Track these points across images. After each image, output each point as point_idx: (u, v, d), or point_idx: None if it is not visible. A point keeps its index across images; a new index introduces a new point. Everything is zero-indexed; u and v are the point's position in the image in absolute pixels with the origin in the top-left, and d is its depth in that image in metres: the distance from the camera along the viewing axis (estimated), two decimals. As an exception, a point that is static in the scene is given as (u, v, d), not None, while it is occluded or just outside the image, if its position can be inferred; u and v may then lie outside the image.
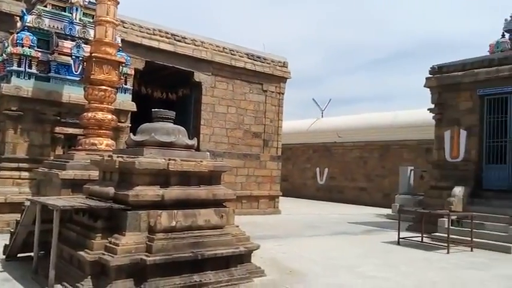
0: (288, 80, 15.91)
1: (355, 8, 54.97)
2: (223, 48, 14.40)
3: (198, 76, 13.92)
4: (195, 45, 13.80)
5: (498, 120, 11.08)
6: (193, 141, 6.26)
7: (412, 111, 20.17)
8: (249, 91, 15.00)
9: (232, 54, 14.50)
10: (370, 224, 13.20)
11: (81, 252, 5.04)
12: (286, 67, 15.82)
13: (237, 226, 6.20)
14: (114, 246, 4.98)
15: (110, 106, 8.40)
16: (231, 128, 14.54)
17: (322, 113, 28.49)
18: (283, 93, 15.78)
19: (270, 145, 15.46)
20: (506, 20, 14.64)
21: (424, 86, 12.59)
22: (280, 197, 15.77)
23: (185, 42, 13.59)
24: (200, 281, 5.23)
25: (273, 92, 15.51)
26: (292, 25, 59.36)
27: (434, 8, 51.21)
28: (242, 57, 14.72)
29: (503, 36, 14.64)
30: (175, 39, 13.35)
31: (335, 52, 59.02)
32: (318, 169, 25.08)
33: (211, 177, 6.04)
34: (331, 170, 24.32)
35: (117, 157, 5.69)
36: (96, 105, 8.21)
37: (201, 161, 5.85)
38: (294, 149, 26.16)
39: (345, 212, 16.91)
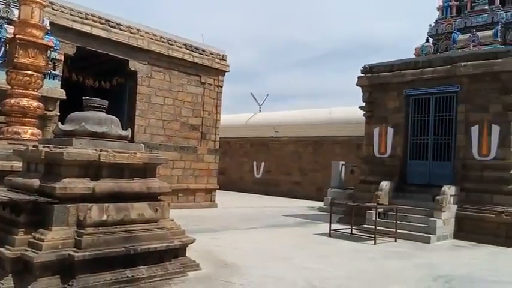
0: (226, 73, 15.86)
1: (292, 5, 56.05)
2: (161, 37, 14.02)
3: (134, 65, 13.44)
4: (131, 32, 13.30)
5: (421, 119, 11.87)
6: (127, 132, 6.04)
7: (345, 108, 21.01)
8: (187, 83, 14.76)
9: (170, 44, 14.17)
10: (304, 217, 13.61)
11: (1, 249, 4.69)
12: (225, 60, 15.76)
13: (172, 220, 6.10)
14: (38, 242, 4.68)
15: (35, 93, 7.84)
16: (168, 119, 14.24)
17: (259, 108, 28.84)
18: (221, 86, 15.72)
19: (208, 138, 15.35)
20: (430, 25, 15.73)
21: (356, 85, 13.16)
22: (217, 191, 15.75)
23: (120, 29, 13.04)
24: (132, 276, 5.08)
25: (211, 84, 15.39)
26: (231, 18, 59.29)
27: (368, 9, 53.68)
28: (180, 47, 14.44)
29: (427, 40, 15.70)
30: (109, 25, 12.76)
31: (273, 48, 59.88)
32: (255, 163, 25.35)
33: (146, 170, 5.87)
34: (268, 164, 24.70)
35: (43, 147, 5.34)
36: (20, 91, 7.63)
37: (135, 153, 5.66)
38: (231, 142, 26.19)
39: (280, 205, 17.28)
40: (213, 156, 15.47)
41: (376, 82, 12.70)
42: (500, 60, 10.50)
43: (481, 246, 9.57)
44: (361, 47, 54.61)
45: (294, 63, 59.78)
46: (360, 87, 13.14)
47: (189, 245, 6.01)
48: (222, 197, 17.09)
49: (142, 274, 5.18)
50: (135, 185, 5.61)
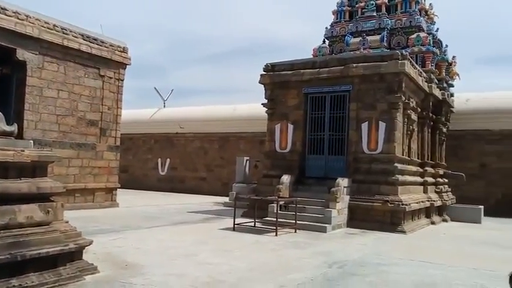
0: (128, 66, 15.22)
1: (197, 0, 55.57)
2: (54, 25, 12.96)
3: (22, 54, 12.24)
4: (19, 18, 12.07)
5: (318, 116, 12.64)
6: (13, 128, 5.51)
7: (249, 105, 21.47)
8: (84, 75, 13.87)
9: (64, 33, 13.16)
10: (209, 212, 13.67)
11: None
12: (126, 52, 15.11)
13: (67, 222, 5.72)
14: None
15: None
16: (63, 114, 13.25)
17: (164, 103, 28.20)
18: (122, 80, 15.04)
19: (108, 134, 14.61)
20: (326, 28, 16.77)
21: (259, 82, 13.55)
22: (118, 189, 15.08)
23: (6, 14, 11.77)
24: (20, 285, 4.67)
25: (111, 77, 14.66)
26: (133, 9, 56.93)
27: (273, 9, 55.32)
28: (76, 37, 13.50)
29: (324, 42, 16.73)
30: (-9, 9, 11.45)
31: (178, 42, 58.92)
32: (159, 160, 24.78)
33: (36, 169, 5.41)
34: (173, 160, 24.31)
35: None
36: None
37: (23, 151, 5.20)
38: (134, 139, 25.27)
39: (185, 202, 17.15)
40: (114, 153, 14.78)
41: (278, 80, 13.20)
42: (386, 63, 11.60)
43: (370, 232, 10.52)
44: (266, 45, 56.21)
45: (200, 58, 59.49)
46: (263, 85, 13.56)
47: (87, 247, 5.70)
48: (125, 196, 16.43)
49: (32, 282, 4.79)
50: (23, 185, 5.15)
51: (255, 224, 10.49)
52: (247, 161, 17.23)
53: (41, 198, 5.32)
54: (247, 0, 55.02)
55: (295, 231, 10.06)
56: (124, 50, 15.04)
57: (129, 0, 56.30)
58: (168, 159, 24.45)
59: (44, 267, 4.98)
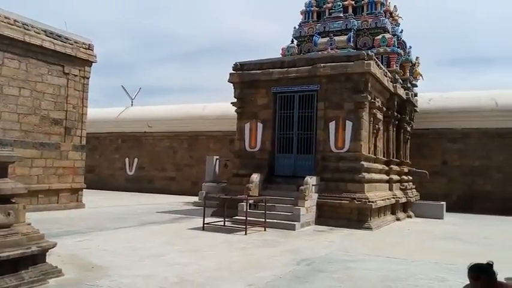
0: (94, 64, 14.86)
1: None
2: (15, 21, 12.49)
3: (-20, 51, 11.74)
4: (-24, 13, 11.58)
5: (287, 115, 12.75)
6: (-29, 128, 5.29)
7: (219, 104, 21.43)
8: (48, 73, 13.44)
9: (26, 29, 12.71)
10: (178, 212, 13.55)
11: None
12: (92, 50, 14.75)
13: (29, 224, 5.54)
14: None
15: None
16: (25, 113, 12.80)
17: (132, 102, 27.72)
18: (88, 78, 14.68)
19: (73, 133, 14.22)
20: (295, 28, 16.93)
21: (228, 81, 13.54)
22: (84, 190, 14.72)
23: (-39, 8, 11.26)
24: (-21, 290, 4.50)
25: (76, 75, 14.27)
26: (99, 5, 55.57)
27: (243, 8, 55.29)
28: (39, 33, 13.05)
29: (292, 42, 16.88)
30: None
31: (147, 40, 57.94)
32: (127, 159, 24.35)
33: (-5, 170, 5.21)
34: (141, 160, 23.94)
35: None
36: None
37: (-19, 152, 4.99)
38: (101, 138, 24.72)
39: (154, 202, 16.93)
40: (79, 153, 14.40)
41: (247, 79, 13.23)
42: (352, 63, 11.84)
43: (338, 229, 10.71)
44: (236, 44, 56.15)
45: (169, 56, 58.77)
46: (232, 84, 13.56)
47: (51, 250, 5.54)
48: (91, 197, 16.06)
49: (-8, 287, 4.62)
50: (-19, 187, 4.95)
51: (224, 223, 10.48)
52: (217, 160, 17.17)
53: (1, 199, 5.14)
54: (217, 0, 54.76)
55: (265, 230, 10.12)
56: (89, 47, 14.67)
57: (95, -4, 54.92)
58: (136, 159, 24.06)
59: (4, 272, 4.81)
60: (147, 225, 10.60)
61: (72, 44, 14.02)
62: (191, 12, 56.10)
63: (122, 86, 28.34)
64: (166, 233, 9.60)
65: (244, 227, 9.72)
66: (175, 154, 23.07)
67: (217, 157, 17.45)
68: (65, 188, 13.80)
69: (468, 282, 3.18)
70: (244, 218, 9.92)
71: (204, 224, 10.09)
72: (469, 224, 13.31)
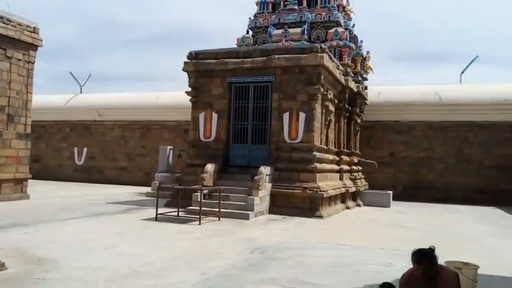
0: (39, 48, 14.11)
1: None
2: (-50, -1, 11.59)
3: None
4: None
5: (242, 106, 12.78)
6: None
7: (173, 93, 21.06)
8: (-12, 56, 12.61)
9: (-37, 8, 11.83)
10: (130, 203, 13.28)
11: None
12: (37, 33, 13.97)
13: (-32, 216, 5.24)
14: None
15: None
16: (-38, 99, 11.96)
17: (81, 89, 26.61)
18: (33, 63, 13.92)
19: (17, 121, 13.47)
20: (250, 18, 16.93)
21: (183, 70, 13.34)
22: (30, 180, 14.03)
23: None
24: None
25: (20, 60, 13.49)
26: (44, -14, 52.62)
27: (195, -4, 54.30)
28: (-22, 14, 12.19)
29: (247, 32, 16.88)
30: None
31: (97, 25, 55.69)
32: (76, 149, 23.46)
33: None
34: (91, 149, 23.15)
35: None
36: None
37: None
38: (47, 126, 23.63)
39: (105, 193, 16.47)
40: (24, 142, 13.68)
41: (202, 69, 13.10)
42: (306, 55, 12.03)
43: (291, 218, 10.95)
44: (191, 33, 55.19)
45: (121, 43, 56.85)
46: (187, 73, 13.37)
47: (-8, 244, 5.28)
48: (37, 187, 15.38)
49: None
50: None
51: (178, 213, 10.40)
52: (171, 150, 16.94)
53: None
54: (171, -15, 53.44)
55: (219, 220, 10.16)
56: (34, 30, 13.90)
57: (40, -24, 51.92)
58: (86, 148, 23.23)
59: None
60: (97, 217, 10.31)
61: (15, 27, 13.21)
62: (143, -2, 54.38)
63: (70, 73, 27.11)
64: (118, 224, 9.39)
65: (198, 217, 9.70)
66: (127, 144, 22.50)
67: (171, 147, 17.22)
68: (8, 178, 13.08)
69: (412, 266, 3.38)
70: (199, 208, 9.89)
71: (157, 214, 9.97)
72: (413, 212, 14.04)
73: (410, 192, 17.71)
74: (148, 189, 16.66)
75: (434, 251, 3.31)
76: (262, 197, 11.31)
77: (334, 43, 15.45)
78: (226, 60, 12.84)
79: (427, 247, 3.38)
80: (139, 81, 54.31)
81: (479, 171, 17.42)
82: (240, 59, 12.72)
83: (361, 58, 17.02)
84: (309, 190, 11.49)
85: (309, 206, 11.54)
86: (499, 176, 17.05)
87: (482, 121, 17.44)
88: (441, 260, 3.45)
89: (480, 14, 46.95)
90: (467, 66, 21.28)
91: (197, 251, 6.88)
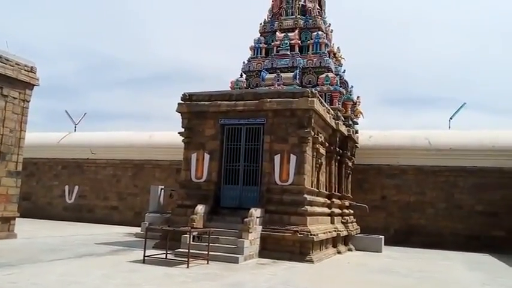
0: (36, 87, 14.34)
1: (114, 21, 54.41)
2: (-49, 39, 11.88)
3: None
4: None
5: (234, 147, 12.92)
6: None
7: (166, 132, 21.24)
8: (-16, 94, 12.77)
9: (-37, 48, 12.11)
10: (119, 244, 13.07)
11: None
12: (34, 72, 14.25)
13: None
14: None
15: None
16: (-45, 136, 11.99)
17: (75, 127, 26.75)
18: (28, 101, 14.10)
19: (8, 159, 13.46)
20: (244, 62, 17.43)
21: (176, 111, 13.56)
22: (18, 219, 13.83)
23: None
24: None
25: (15, 98, 13.66)
26: (44, 26, 53.99)
27: (195, 39, 55.89)
28: (-23, 54, 12.47)
29: (241, 76, 17.32)
30: None
31: (93, 64, 56.65)
32: (67, 187, 23.29)
33: None
34: (82, 188, 22.99)
35: None
36: None
37: None
38: (39, 164, 23.56)
39: (94, 233, 16.22)
40: (14, 180, 13.61)
41: (195, 110, 13.33)
42: (297, 99, 12.32)
43: (281, 262, 10.80)
44: (185, 75, 56.22)
45: (116, 82, 57.65)
46: (180, 114, 13.59)
47: (-27, 286, 5.18)
48: (25, 226, 15.14)
49: None
50: None
51: (166, 255, 10.24)
52: (162, 190, 16.87)
53: None
54: (168, 28, 55.06)
55: (208, 263, 10.00)
56: (32, 70, 14.18)
57: (40, 16, 53.35)
58: (77, 187, 23.06)
59: None
60: (84, 258, 10.12)
61: (13, 66, 13.48)
62: (142, 39, 55.85)
63: (66, 111, 27.34)
64: (104, 266, 9.22)
65: (186, 260, 9.55)
66: (119, 182, 22.39)
67: (163, 187, 17.16)
68: (-5, 216, 12.90)
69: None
70: (187, 250, 9.76)
71: (144, 256, 9.81)
72: (404, 257, 13.90)
73: (402, 237, 17.61)
74: (138, 229, 16.43)
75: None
76: (252, 240, 11.20)
77: (325, 88, 15.86)
78: (219, 102, 13.10)
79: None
80: (134, 120, 54.74)
81: (470, 216, 17.44)
82: (233, 102, 12.98)
83: (352, 103, 17.42)
84: (300, 233, 11.41)
85: (299, 250, 11.42)
86: (490, 222, 17.07)
87: (472, 166, 17.66)
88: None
89: (468, 62, 48.57)
90: (456, 112, 21.81)
91: (183, 296, 6.75)
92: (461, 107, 21.90)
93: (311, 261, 11.10)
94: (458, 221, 17.48)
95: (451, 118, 21.58)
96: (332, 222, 14.25)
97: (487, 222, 17.11)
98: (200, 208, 12.01)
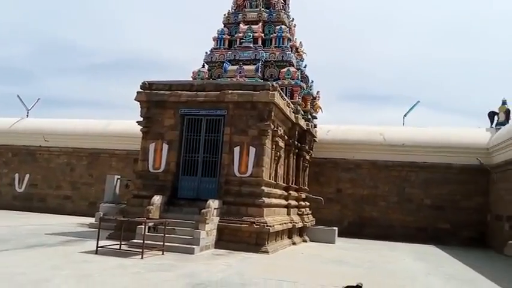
0: (-16, 70, 13.59)
1: (75, 4, 52.17)
2: None
3: None
4: None
5: (194, 138, 12.83)
6: None
7: (124, 121, 20.74)
8: None
9: None
10: (71, 234, 12.72)
11: None
12: (-17, 55, 13.50)
13: None
14: None
15: None
16: None
17: (27, 113, 25.52)
18: (-25, 85, 13.35)
19: (-48, 144, 12.72)
20: (206, 53, 17.28)
21: (135, 100, 13.29)
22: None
23: None
24: None
25: (-39, 81, 12.90)
26: (-3, 5, 50.88)
27: (157, 27, 54.57)
28: None
29: (203, 66, 17.18)
30: None
31: (50, 48, 54.07)
32: (17, 175, 22.32)
33: None
34: (33, 176, 22.10)
35: None
36: None
37: None
38: (-13, 150, 22.38)
39: (45, 223, 15.68)
40: (-42, 167, 12.89)
41: (154, 99, 13.11)
42: (258, 92, 12.38)
43: (237, 253, 10.90)
44: (145, 63, 54.84)
45: (75, 68, 55.36)
46: (139, 102, 13.32)
47: None
48: (-32, 215, 14.38)
49: None
50: None
51: (120, 246, 10.08)
52: (118, 180, 16.52)
53: None
54: (132, 15, 53.37)
55: (163, 254, 9.94)
56: (-20, 51, 13.40)
57: (-7, -5, 50.25)
58: (28, 175, 22.14)
59: None
60: (34, 248, 9.80)
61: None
62: (102, 25, 53.85)
63: (18, 96, 26.00)
64: (54, 256, 8.96)
65: (141, 250, 9.45)
66: (73, 171, 21.70)
67: (119, 177, 16.80)
68: None
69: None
70: (142, 241, 9.65)
71: (97, 247, 9.61)
72: (356, 248, 14.40)
73: (355, 229, 18.20)
74: (92, 219, 16.03)
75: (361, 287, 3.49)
76: (209, 231, 11.23)
77: (286, 82, 16.02)
78: (180, 92, 12.95)
79: (356, 283, 3.55)
80: (93, 108, 52.95)
81: (419, 210, 18.27)
82: (194, 92, 12.87)
83: (311, 97, 17.70)
84: (256, 225, 11.55)
85: (255, 240, 11.57)
86: (436, 215, 17.97)
87: (422, 162, 18.47)
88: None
89: (422, 62, 50.47)
90: (410, 109, 22.64)
91: (136, 287, 6.70)
92: (414, 105, 22.76)
93: (266, 252, 11.27)
94: (408, 214, 18.27)
95: (405, 115, 22.40)
96: (288, 214, 14.51)
97: (434, 215, 18.00)
98: (157, 199, 11.88)
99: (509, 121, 17.97)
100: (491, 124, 19.02)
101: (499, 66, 46.62)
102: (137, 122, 13.49)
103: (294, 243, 14.05)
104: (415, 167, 18.58)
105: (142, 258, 9.21)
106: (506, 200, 15.64)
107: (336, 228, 16.05)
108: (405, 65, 51.81)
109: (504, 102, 18.74)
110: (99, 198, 18.73)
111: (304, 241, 15.21)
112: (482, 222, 17.41)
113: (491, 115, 19.14)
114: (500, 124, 18.32)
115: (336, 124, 20.48)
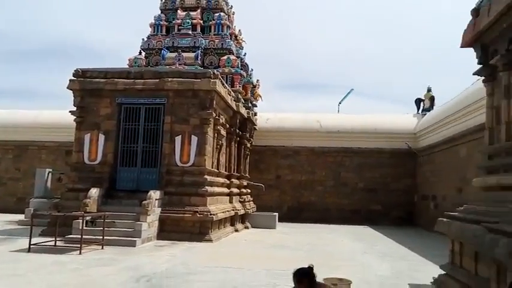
0: None
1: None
2: None
3: None
4: None
5: (132, 127, 12.42)
6: None
7: (55, 111, 19.57)
8: None
9: None
10: (-2, 233, 11.86)
11: None
12: None
13: None
14: None
15: None
16: None
17: None
18: None
19: None
20: (143, 39, 16.71)
21: (67, 88, 12.56)
22: None
23: None
24: None
25: None
26: None
27: (90, 13, 51.54)
28: None
29: (140, 53, 16.61)
30: None
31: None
32: None
33: None
34: (-50, 171, 20.17)
35: None
36: None
37: None
38: None
39: (-34, 222, 14.43)
40: None
41: (89, 87, 12.50)
42: (199, 80, 12.23)
43: (180, 243, 10.80)
44: (78, 50, 51.78)
45: (-4, 53, 50.84)
46: (72, 91, 12.62)
47: None
48: None
49: None
50: None
51: (55, 243, 9.57)
52: (50, 174, 15.59)
53: None
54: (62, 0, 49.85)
55: (102, 248, 9.59)
56: None
57: None
58: None
59: None
60: (-44, 250, 9.01)
61: None
62: (28, 9, 49.82)
63: None
64: (-18, 257, 8.32)
65: (78, 246, 9.04)
66: (-2, 165, 20.13)
67: (50, 170, 15.86)
68: None
69: (294, 285, 3.64)
70: (80, 236, 9.24)
71: (30, 244, 9.05)
72: (296, 232, 14.85)
73: (294, 213, 18.75)
74: (21, 216, 15.01)
75: (313, 269, 3.60)
76: (150, 223, 11.00)
77: (227, 70, 15.96)
78: (116, 80, 12.43)
79: (306, 266, 3.66)
80: (14, 97, 49.16)
81: (353, 193, 19.20)
82: (132, 80, 12.43)
83: (251, 86, 17.81)
84: (199, 214, 11.50)
85: (198, 230, 11.53)
86: (369, 198, 19.00)
87: (357, 148, 19.37)
88: (320, 277, 3.77)
89: (356, 53, 52.61)
90: (344, 97, 23.65)
91: (76, 283, 6.44)
92: (348, 93, 23.82)
93: (210, 241, 11.29)
94: (344, 197, 19.14)
95: (339, 103, 23.34)
96: (231, 201, 14.60)
97: (367, 197, 19.02)
98: (94, 191, 11.41)
99: (434, 107, 19.31)
100: (418, 110, 20.36)
101: (425, 56, 49.88)
102: (70, 111, 12.79)
103: (236, 230, 14.19)
104: (350, 152, 19.44)
105: (80, 253, 8.84)
106: (431, 181, 16.91)
107: (276, 214, 16.42)
108: (340, 55, 53.73)
109: (429, 90, 20.12)
110: (28, 193, 17.58)
111: (246, 228, 15.42)
112: (410, 203, 18.70)
113: (418, 102, 20.48)
114: (426, 110, 19.66)
115: (275, 112, 20.82)
